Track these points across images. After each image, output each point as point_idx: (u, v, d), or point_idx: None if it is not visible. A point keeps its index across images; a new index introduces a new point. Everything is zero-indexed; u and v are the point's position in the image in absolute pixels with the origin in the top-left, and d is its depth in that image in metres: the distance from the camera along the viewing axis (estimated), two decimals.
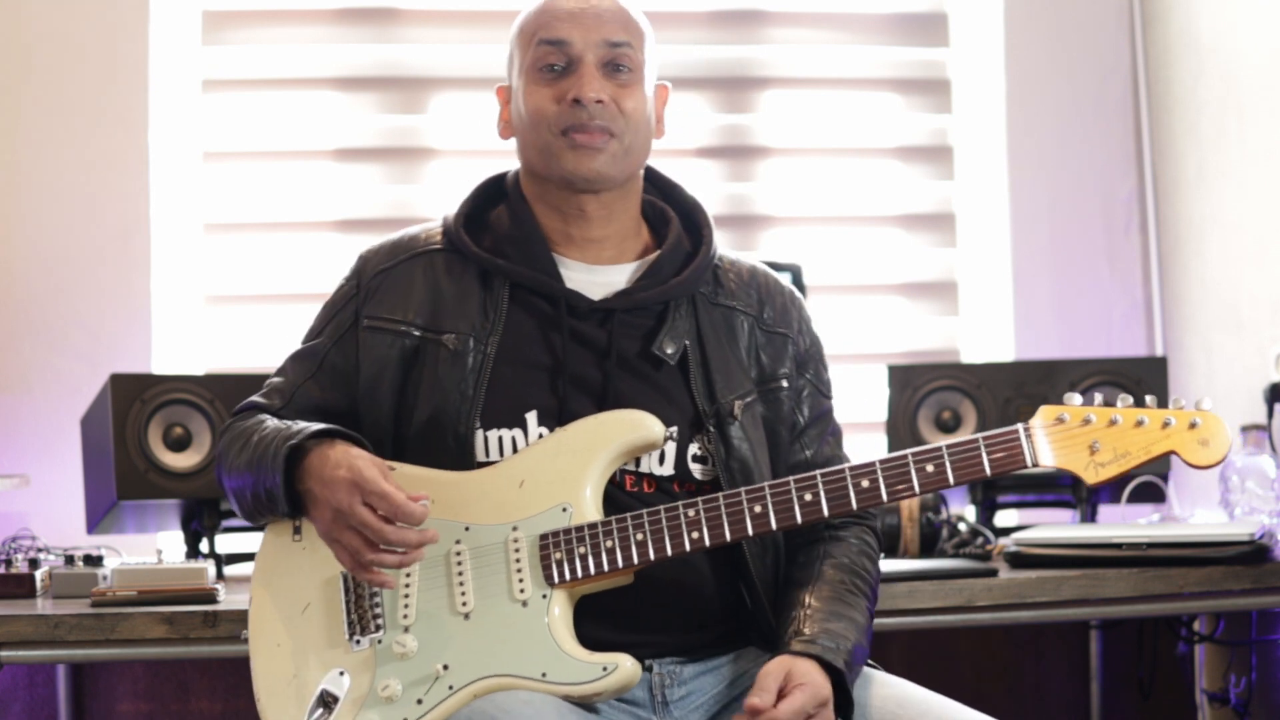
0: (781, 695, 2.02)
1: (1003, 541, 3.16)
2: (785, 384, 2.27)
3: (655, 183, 2.34)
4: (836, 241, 4.12)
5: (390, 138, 3.98)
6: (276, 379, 2.30)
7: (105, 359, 3.61)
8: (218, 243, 3.89)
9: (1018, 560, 2.98)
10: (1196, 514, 3.51)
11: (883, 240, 4.14)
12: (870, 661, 2.21)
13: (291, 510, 2.12)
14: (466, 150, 3.99)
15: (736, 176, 4.08)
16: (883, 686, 2.16)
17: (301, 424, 2.16)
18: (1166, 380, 3.46)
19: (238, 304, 3.90)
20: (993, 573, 2.90)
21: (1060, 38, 4.08)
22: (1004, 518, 3.62)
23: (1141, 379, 3.43)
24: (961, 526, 3.20)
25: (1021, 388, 3.46)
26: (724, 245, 2.35)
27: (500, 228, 2.26)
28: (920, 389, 3.50)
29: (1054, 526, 3.25)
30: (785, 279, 2.37)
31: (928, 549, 3.19)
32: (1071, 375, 3.45)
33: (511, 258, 2.22)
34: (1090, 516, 3.43)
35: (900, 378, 3.52)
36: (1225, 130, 3.80)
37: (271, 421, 2.21)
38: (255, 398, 2.29)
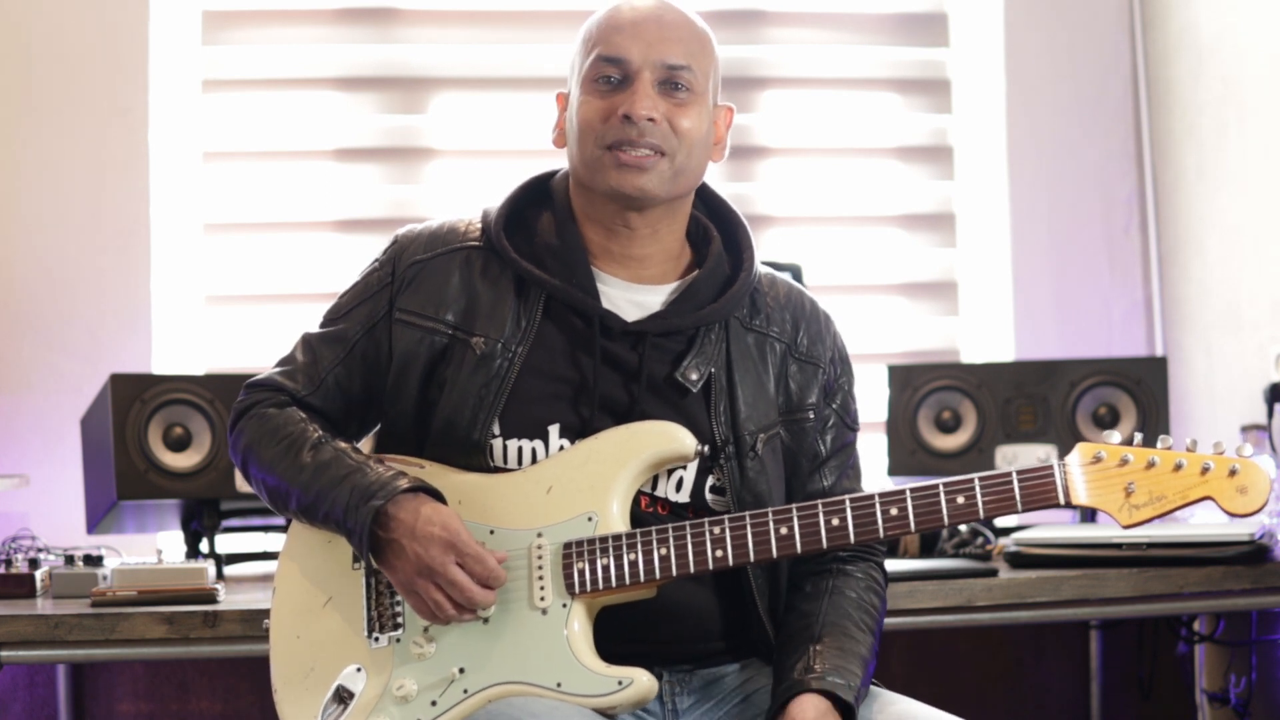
0: None
1: (1003, 541, 3.16)
2: (811, 415, 2.24)
3: (703, 198, 2.28)
4: (836, 241, 4.12)
5: (390, 138, 3.97)
6: (302, 358, 2.22)
7: (105, 359, 3.60)
8: (218, 243, 3.89)
9: (1018, 560, 2.98)
10: (1196, 514, 3.50)
11: (883, 240, 4.14)
12: (874, 680, 2.19)
13: (360, 551, 2.09)
14: (466, 150, 3.99)
15: (736, 176, 4.08)
16: (887, 704, 2.15)
17: (375, 467, 2.10)
18: (1166, 380, 3.45)
19: (238, 304, 3.90)
20: (993, 573, 2.90)
21: (1060, 38, 4.08)
22: (1004, 518, 3.61)
23: (1141, 379, 3.43)
24: (961, 527, 3.19)
25: (1021, 388, 3.46)
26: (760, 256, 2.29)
27: (543, 235, 2.20)
28: (920, 389, 3.50)
29: (1054, 526, 3.25)
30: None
31: (928, 549, 3.19)
32: (1071, 375, 3.45)
33: (551, 269, 2.17)
34: (1090, 516, 3.43)
35: (900, 378, 3.52)
36: (1225, 130, 3.79)
37: (316, 431, 2.16)
38: (275, 375, 2.22)
